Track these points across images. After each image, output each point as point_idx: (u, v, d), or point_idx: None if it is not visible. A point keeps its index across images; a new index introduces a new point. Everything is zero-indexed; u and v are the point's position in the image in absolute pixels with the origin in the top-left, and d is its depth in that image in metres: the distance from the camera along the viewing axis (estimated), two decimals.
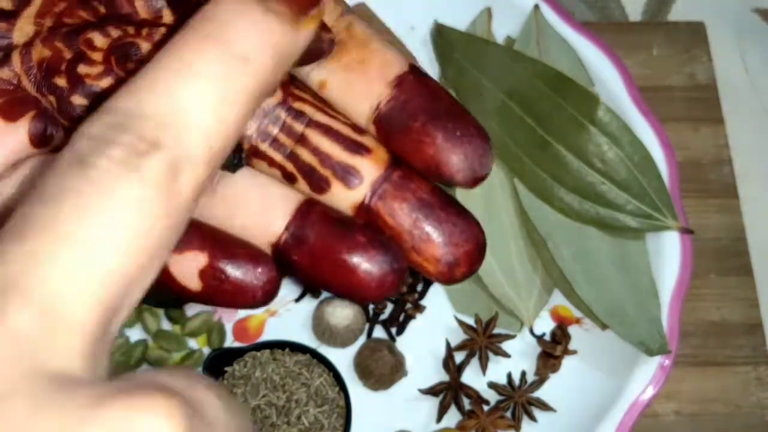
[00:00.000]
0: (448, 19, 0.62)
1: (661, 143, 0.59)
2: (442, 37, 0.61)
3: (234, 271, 0.23)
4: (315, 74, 0.25)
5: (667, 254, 0.57)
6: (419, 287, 0.59)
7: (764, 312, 0.61)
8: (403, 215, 0.24)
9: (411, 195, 0.24)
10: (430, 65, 0.63)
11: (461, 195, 0.58)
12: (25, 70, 0.25)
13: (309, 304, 0.59)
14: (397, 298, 0.58)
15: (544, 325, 0.58)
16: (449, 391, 0.56)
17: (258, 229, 0.24)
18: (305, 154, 0.24)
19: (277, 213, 0.24)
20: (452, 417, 0.56)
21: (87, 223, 0.18)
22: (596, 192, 0.56)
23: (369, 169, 0.24)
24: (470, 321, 0.58)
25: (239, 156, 0.25)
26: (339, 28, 0.25)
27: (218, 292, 0.23)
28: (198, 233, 0.24)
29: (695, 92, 0.66)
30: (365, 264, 0.23)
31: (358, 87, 0.24)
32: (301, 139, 0.24)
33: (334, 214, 0.24)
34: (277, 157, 0.24)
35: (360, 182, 0.24)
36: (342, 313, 0.56)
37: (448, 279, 0.24)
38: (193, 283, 0.23)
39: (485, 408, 0.56)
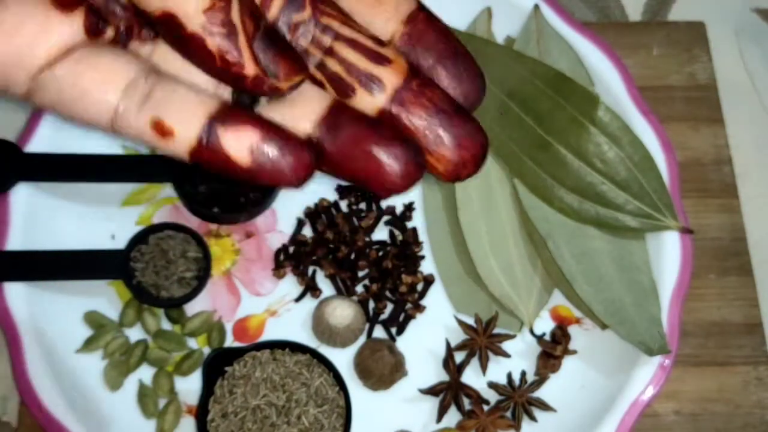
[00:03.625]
0: (448, 19, 0.61)
1: (661, 143, 0.59)
2: None
3: (282, 149, 0.26)
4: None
5: (667, 254, 0.57)
6: (419, 287, 0.59)
7: (764, 312, 0.61)
8: (420, 119, 0.27)
9: (428, 101, 0.27)
10: None
11: (461, 196, 0.58)
12: None
13: (309, 304, 0.58)
14: (397, 299, 0.58)
15: (544, 325, 0.58)
16: (449, 391, 0.56)
17: (295, 121, 0.27)
18: (333, 64, 0.27)
19: (313, 108, 0.27)
20: (452, 417, 0.56)
21: None
22: (596, 192, 0.56)
23: (390, 77, 0.27)
24: (470, 321, 0.58)
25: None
26: None
27: (265, 168, 0.26)
28: (247, 115, 0.26)
29: (695, 92, 0.66)
30: (392, 156, 0.26)
31: (374, 22, 0.28)
32: (329, 51, 0.27)
33: (363, 114, 0.27)
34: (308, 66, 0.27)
35: (382, 89, 0.27)
36: (342, 313, 0.56)
37: (455, 177, 0.27)
38: (243, 157, 0.26)
39: (485, 408, 0.56)
